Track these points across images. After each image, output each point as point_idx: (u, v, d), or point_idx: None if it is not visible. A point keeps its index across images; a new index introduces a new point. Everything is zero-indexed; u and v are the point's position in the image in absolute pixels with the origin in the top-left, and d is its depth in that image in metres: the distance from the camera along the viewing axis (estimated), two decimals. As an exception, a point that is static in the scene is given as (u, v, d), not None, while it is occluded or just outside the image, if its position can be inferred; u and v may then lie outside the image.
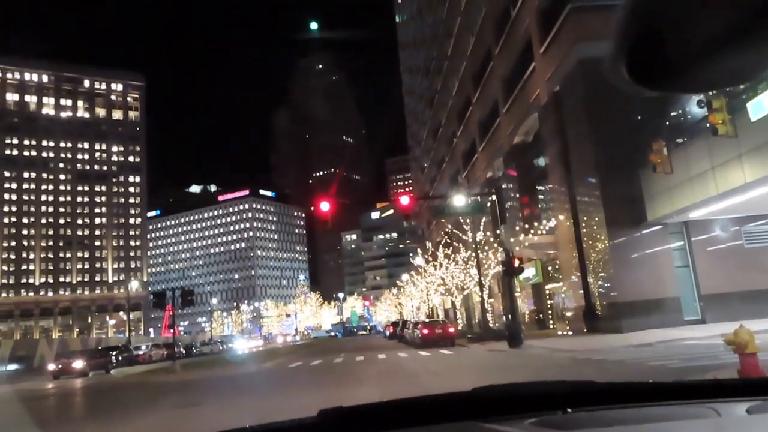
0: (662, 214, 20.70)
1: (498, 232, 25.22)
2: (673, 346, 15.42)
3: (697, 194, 18.39)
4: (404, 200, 23.66)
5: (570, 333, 25.26)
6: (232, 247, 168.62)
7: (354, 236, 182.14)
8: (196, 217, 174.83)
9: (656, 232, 21.65)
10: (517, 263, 22.88)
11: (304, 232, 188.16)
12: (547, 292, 31.87)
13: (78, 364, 29.67)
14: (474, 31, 39.67)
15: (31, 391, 20.91)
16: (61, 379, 27.51)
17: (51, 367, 30.50)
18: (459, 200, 25.01)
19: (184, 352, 48.04)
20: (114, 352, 36.01)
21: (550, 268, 30.85)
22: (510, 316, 25.02)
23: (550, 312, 31.97)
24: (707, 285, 21.56)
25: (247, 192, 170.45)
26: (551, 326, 30.99)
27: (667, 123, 21.73)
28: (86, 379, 26.79)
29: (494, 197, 24.73)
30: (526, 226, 31.39)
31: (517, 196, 33.64)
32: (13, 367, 41.38)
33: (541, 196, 31.79)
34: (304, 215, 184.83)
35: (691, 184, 18.53)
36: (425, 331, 29.15)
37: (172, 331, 45.36)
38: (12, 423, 11.14)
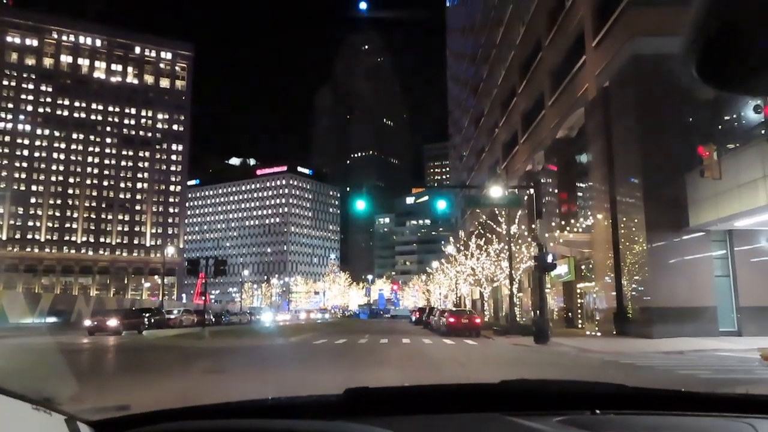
0: (706, 221, 20.09)
1: (533, 226, 24.89)
2: (706, 357, 15.04)
3: (745, 203, 17.75)
4: (441, 204, 23.67)
5: (598, 334, 24.88)
6: (267, 221, 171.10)
7: (387, 220, 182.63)
8: (234, 189, 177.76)
9: (698, 239, 21.02)
10: (550, 259, 22.60)
11: (338, 211, 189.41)
12: (578, 291, 31.43)
13: (113, 322, 30.61)
14: (525, 21, 38.89)
15: (68, 344, 21.72)
16: (96, 336, 28.44)
17: (87, 323, 31.54)
18: (496, 191, 24.73)
19: (213, 319, 49.24)
20: (147, 314, 37.03)
21: (583, 267, 30.38)
22: (538, 311, 24.75)
23: (579, 311, 31.54)
24: (747, 297, 20.90)
25: (285, 168, 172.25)
26: (579, 326, 30.59)
27: (719, 127, 20.97)
28: (119, 338, 27.67)
29: (532, 191, 24.37)
30: (562, 222, 30.91)
31: (556, 191, 33.10)
32: (51, 319, 43.02)
33: (580, 194, 31.21)
34: (339, 195, 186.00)
35: (740, 191, 17.88)
36: (451, 320, 29.12)
37: (203, 298, 46.54)
38: (53, 374, 11.60)
